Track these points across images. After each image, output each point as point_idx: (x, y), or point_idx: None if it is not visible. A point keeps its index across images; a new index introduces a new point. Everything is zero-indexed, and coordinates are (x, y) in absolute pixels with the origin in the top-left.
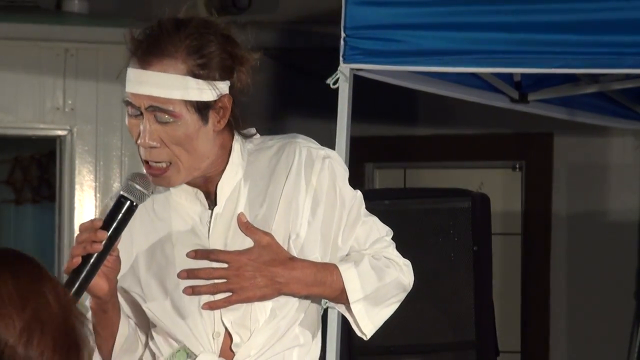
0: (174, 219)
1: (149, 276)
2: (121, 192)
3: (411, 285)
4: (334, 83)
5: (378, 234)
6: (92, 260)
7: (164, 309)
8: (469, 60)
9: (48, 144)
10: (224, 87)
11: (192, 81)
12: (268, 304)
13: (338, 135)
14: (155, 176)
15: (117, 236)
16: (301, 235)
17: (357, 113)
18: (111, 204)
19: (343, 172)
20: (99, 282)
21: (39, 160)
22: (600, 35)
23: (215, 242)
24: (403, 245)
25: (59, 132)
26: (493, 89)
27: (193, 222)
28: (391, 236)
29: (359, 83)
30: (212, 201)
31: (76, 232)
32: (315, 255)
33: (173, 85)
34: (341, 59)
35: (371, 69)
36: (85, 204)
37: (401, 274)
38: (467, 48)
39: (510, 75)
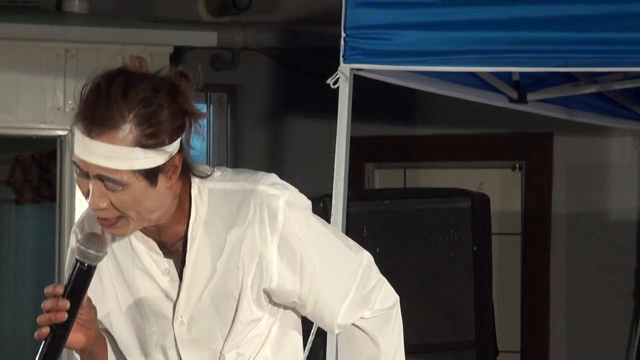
0: (136, 267)
1: (120, 318)
2: (77, 257)
3: (394, 302)
4: (334, 83)
5: (342, 293)
6: (59, 329)
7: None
8: (468, 59)
9: (48, 144)
10: (174, 148)
11: (140, 152)
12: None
13: (338, 135)
14: (106, 226)
15: (81, 300)
16: (273, 284)
17: (357, 113)
18: (71, 265)
19: (304, 220)
20: (75, 337)
21: (39, 160)
22: (600, 34)
23: (188, 290)
24: (403, 245)
25: (60, 132)
26: (492, 89)
27: (154, 272)
28: (360, 273)
29: (359, 83)
30: (167, 249)
31: None
32: (294, 299)
33: (121, 156)
34: (341, 59)
35: (371, 69)
36: (85, 204)
37: (375, 334)
38: (467, 48)
39: (510, 75)
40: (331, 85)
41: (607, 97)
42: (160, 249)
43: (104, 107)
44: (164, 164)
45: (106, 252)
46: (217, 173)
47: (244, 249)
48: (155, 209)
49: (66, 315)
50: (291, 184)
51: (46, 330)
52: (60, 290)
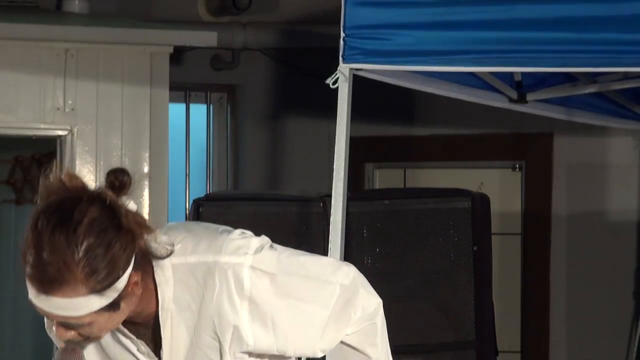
0: (116, 342)
1: None
2: None
3: (377, 307)
4: (334, 83)
5: (319, 329)
6: None
7: None
8: (468, 60)
9: (48, 144)
10: (130, 271)
11: (94, 298)
12: None
13: (338, 135)
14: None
15: None
16: (250, 347)
17: (357, 113)
18: None
19: (269, 279)
20: None
21: (39, 160)
22: (599, 34)
23: None
24: (403, 245)
25: (60, 132)
26: (492, 89)
27: (133, 350)
28: (335, 299)
29: (359, 83)
30: (139, 329)
31: None
32: (274, 352)
33: (79, 306)
34: (341, 59)
35: (371, 69)
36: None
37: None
38: (467, 48)
39: (510, 75)
40: (330, 85)
41: (607, 97)
42: (133, 330)
43: (51, 266)
44: (123, 290)
45: None
46: (177, 246)
47: (217, 321)
48: (123, 318)
49: None
50: (291, 184)
51: None
52: None
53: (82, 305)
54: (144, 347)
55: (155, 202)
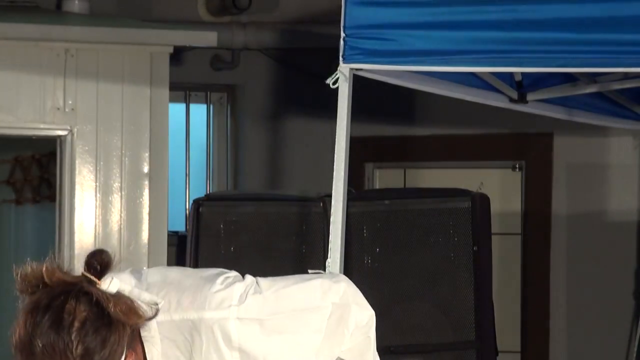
0: None
1: None
2: None
3: (369, 318)
4: (334, 83)
5: (312, 353)
6: None
7: None
8: (468, 60)
9: (48, 144)
10: (127, 353)
11: None
12: None
13: (338, 135)
14: None
15: None
16: None
17: (357, 113)
18: None
19: (257, 325)
20: None
21: (39, 160)
22: (600, 34)
23: None
24: (403, 245)
25: (59, 132)
26: (492, 89)
27: None
28: (326, 322)
29: (359, 83)
30: None
31: (76, 232)
32: None
33: None
34: (341, 59)
35: (371, 68)
36: (85, 204)
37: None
38: (467, 48)
39: (510, 75)
40: (331, 85)
41: (607, 97)
42: None
43: None
44: None
45: None
46: (161, 302)
47: None
48: None
49: None
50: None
51: None
52: None
53: None
54: None
55: (155, 202)
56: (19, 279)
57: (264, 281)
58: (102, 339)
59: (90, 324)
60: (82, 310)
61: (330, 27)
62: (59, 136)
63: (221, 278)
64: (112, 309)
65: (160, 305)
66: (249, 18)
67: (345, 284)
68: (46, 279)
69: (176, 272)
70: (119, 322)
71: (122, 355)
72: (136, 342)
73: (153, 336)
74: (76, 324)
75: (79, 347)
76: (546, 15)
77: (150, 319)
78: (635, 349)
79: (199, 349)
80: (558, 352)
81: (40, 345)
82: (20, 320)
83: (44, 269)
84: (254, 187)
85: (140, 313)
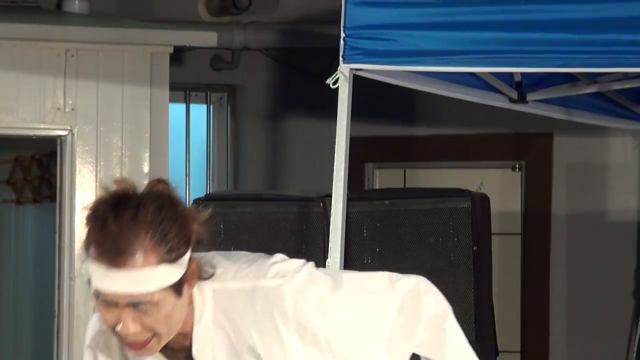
0: None
1: None
2: None
3: (445, 312)
4: (334, 83)
5: (380, 341)
6: None
7: None
8: (468, 60)
9: (49, 144)
10: (188, 256)
11: (165, 268)
12: None
13: (338, 135)
14: (135, 348)
15: None
16: None
17: (357, 113)
18: None
19: (314, 299)
20: None
21: (39, 160)
22: (600, 34)
23: None
24: (403, 245)
25: (60, 132)
26: (492, 89)
27: None
28: (393, 313)
29: (359, 83)
30: (171, 350)
31: (76, 232)
32: None
33: (149, 278)
34: (341, 59)
35: (371, 69)
36: (86, 204)
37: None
38: (467, 48)
39: (510, 75)
40: (331, 86)
41: (607, 97)
42: (165, 351)
43: (118, 237)
44: (185, 272)
45: None
46: (219, 270)
47: (261, 347)
48: (181, 319)
49: None
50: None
51: None
52: None
53: (153, 277)
54: None
55: None
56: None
57: (327, 269)
58: (171, 215)
59: (160, 202)
60: (151, 194)
61: (330, 27)
62: (59, 136)
63: (279, 256)
64: (182, 206)
65: (217, 272)
66: (249, 18)
67: (415, 278)
68: (117, 186)
69: (234, 252)
70: (185, 213)
71: (188, 245)
72: (191, 285)
73: (206, 302)
74: (146, 199)
75: (150, 216)
76: (546, 15)
77: (207, 278)
78: (635, 349)
79: (252, 318)
80: (558, 352)
81: (112, 218)
82: (90, 210)
83: (113, 180)
84: (254, 187)
85: (204, 223)
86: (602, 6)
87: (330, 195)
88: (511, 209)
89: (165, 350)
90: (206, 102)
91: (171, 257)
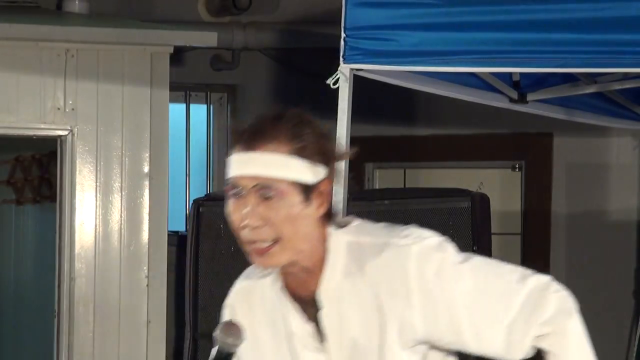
0: (277, 323)
1: None
2: (217, 344)
3: (569, 311)
4: (334, 83)
5: (498, 321)
6: None
7: None
8: (468, 60)
9: (49, 144)
10: (322, 172)
11: (294, 161)
12: None
13: (338, 135)
14: (259, 255)
15: None
16: (419, 333)
17: (357, 113)
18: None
19: (439, 265)
20: None
21: (39, 160)
22: (599, 35)
23: (333, 342)
24: None
25: (60, 132)
26: (492, 89)
27: (296, 327)
28: (519, 298)
29: (359, 83)
30: (305, 303)
31: (77, 232)
32: (449, 339)
33: (278, 164)
34: (341, 59)
35: (371, 69)
36: (86, 204)
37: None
38: (466, 48)
39: (510, 75)
40: (331, 86)
41: (607, 97)
42: (302, 306)
43: (261, 126)
44: (316, 185)
45: (244, 339)
46: (354, 223)
47: (386, 302)
48: (306, 236)
49: None
50: None
51: None
52: None
53: (282, 164)
54: (308, 325)
55: (155, 202)
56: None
57: None
58: (312, 127)
59: (307, 122)
60: (303, 114)
61: (330, 27)
62: (60, 136)
63: (414, 225)
64: (323, 131)
65: (352, 226)
66: (249, 18)
67: (549, 278)
68: None
69: (368, 221)
70: (327, 136)
71: (321, 162)
72: (324, 225)
73: (339, 251)
74: (296, 114)
75: (292, 116)
76: (545, 15)
77: (343, 226)
78: (635, 349)
79: (381, 272)
80: None
81: (258, 116)
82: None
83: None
84: None
85: (343, 155)
86: (602, 6)
87: None
88: (511, 209)
89: (299, 301)
90: (206, 102)
91: (303, 153)
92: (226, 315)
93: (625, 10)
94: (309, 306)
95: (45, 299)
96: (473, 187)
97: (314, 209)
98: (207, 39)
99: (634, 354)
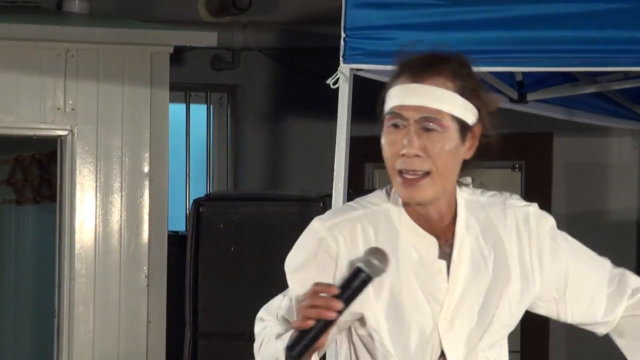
0: (404, 259)
1: (379, 309)
2: (358, 265)
3: None
4: (334, 83)
5: (598, 288)
6: (322, 326)
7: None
8: None
9: (49, 144)
10: (477, 115)
11: (459, 99)
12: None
13: (338, 135)
14: (409, 185)
15: (349, 306)
16: (536, 289)
17: (357, 113)
18: (346, 274)
19: (552, 224)
20: (324, 338)
21: (39, 160)
22: (600, 34)
23: (454, 287)
24: None
25: (60, 132)
26: (492, 89)
27: (425, 265)
28: (608, 269)
29: (359, 83)
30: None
31: (77, 231)
32: (549, 302)
33: (444, 98)
34: (341, 59)
35: (371, 69)
36: (85, 204)
37: None
38: (466, 48)
39: (510, 75)
40: (331, 86)
41: (607, 97)
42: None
43: (429, 60)
44: (472, 126)
45: (387, 270)
46: (469, 184)
47: (507, 253)
48: (454, 174)
49: (335, 316)
50: (291, 184)
51: (310, 322)
52: (335, 290)
53: (447, 98)
54: (440, 265)
55: (155, 202)
56: None
57: None
58: (475, 78)
59: (471, 68)
60: (471, 65)
61: (330, 27)
62: (60, 136)
63: None
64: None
65: (468, 187)
66: (249, 18)
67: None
68: None
69: None
70: (483, 86)
71: (477, 106)
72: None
73: (460, 206)
74: (464, 58)
75: (459, 58)
76: (545, 15)
77: (465, 185)
78: None
79: (502, 226)
80: (558, 352)
81: (431, 54)
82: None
83: None
84: (254, 187)
85: (494, 101)
86: (602, 6)
87: (330, 195)
88: None
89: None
90: (206, 102)
91: (466, 93)
92: (315, 250)
93: (625, 10)
94: (445, 248)
95: (45, 299)
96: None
97: (466, 150)
98: (207, 39)
99: None
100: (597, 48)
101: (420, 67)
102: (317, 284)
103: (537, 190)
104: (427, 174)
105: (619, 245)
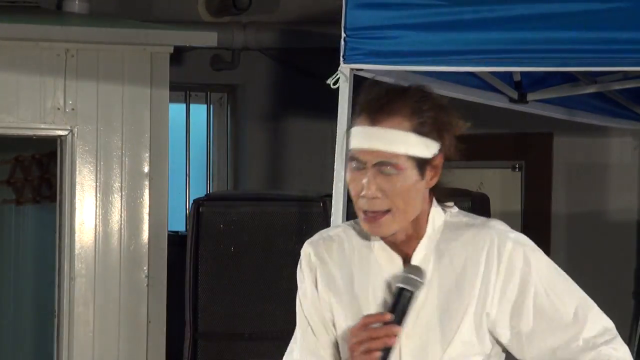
0: (372, 276)
1: (345, 322)
2: (399, 285)
3: (604, 330)
4: (334, 83)
5: (562, 328)
6: (387, 352)
7: None
8: (468, 60)
9: (49, 144)
10: (437, 146)
11: (414, 138)
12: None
13: (338, 135)
14: (371, 222)
15: (403, 326)
16: (492, 314)
17: None
18: (389, 298)
19: (528, 254)
20: None
21: (39, 160)
22: (599, 34)
23: (411, 319)
24: None
25: (60, 132)
26: (492, 89)
27: (387, 281)
28: (580, 310)
29: (359, 83)
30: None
31: (77, 231)
32: (505, 332)
33: (400, 140)
34: (341, 59)
35: (371, 69)
36: (85, 204)
37: None
38: (467, 48)
39: (510, 75)
40: (331, 86)
41: (607, 97)
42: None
43: (385, 101)
44: (431, 159)
45: (425, 280)
46: (455, 210)
47: (473, 274)
48: (416, 207)
49: (396, 340)
50: (291, 184)
51: (377, 354)
52: (388, 317)
53: (403, 140)
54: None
55: (155, 202)
56: None
57: None
58: (433, 104)
59: (429, 97)
60: (424, 89)
61: (330, 27)
62: (60, 136)
63: None
64: (445, 102)
65: (453, 211)
66: (249, 18)
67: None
68: None
69: None
70: (447, 110)
71: (438, 137)
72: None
73: (437, 225)
74: (419, 90)
75: (414, 94)
76: (545, 15)
77: (443, 202)
78: (635, 349)
79: (477, 247)
80: None
81: (386, 94)
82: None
83: None
84: (254, 187)
85: (460, 125)
86: (602, 5)
87: (330, 195)
88: (511, 209)
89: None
90: (206, 102)
91: (422, 130)
92: (308, 274)
93: (625, 10)
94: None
95: (45, 299)
96: (473, 187)
97: (426, 182)
98: (207, 39)
99: (634, 355)
100: (597, 48)
101: (377, 109)
102: (367, 316)
103: (537, 191)
104: (387, 211)
105: (619, 245)
